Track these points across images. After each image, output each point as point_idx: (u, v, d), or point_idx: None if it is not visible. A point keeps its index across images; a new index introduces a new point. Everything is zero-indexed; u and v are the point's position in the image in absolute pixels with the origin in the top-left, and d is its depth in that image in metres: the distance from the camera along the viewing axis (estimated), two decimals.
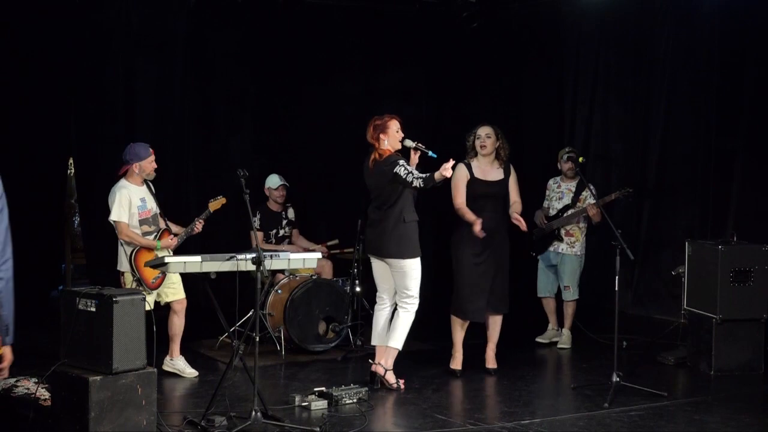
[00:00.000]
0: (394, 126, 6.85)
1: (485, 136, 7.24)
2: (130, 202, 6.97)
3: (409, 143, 6.84)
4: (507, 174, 7.30)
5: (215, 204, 7.40)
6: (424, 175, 6.57)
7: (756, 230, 7.92)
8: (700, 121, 9.25)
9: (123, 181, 7.06)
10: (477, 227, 7.00)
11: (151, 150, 7.13)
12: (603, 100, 10.25)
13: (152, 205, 7.12)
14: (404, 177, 6.61)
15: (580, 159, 8.07)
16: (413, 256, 6.78)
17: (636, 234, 9.67)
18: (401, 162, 6.68)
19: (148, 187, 7.18)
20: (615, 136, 10.15)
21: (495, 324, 7.37)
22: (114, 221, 6.95)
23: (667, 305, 9.35)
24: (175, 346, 7.24)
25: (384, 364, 6.90)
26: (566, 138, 10.45)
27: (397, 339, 6.88)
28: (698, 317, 7.59)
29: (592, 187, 8.21)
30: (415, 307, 6.87)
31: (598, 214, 7.97)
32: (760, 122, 8.61)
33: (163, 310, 7.20)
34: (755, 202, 8.64)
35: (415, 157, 6.85)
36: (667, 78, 9.52)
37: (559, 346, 8.38)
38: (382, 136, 6.83)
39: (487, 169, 7.27)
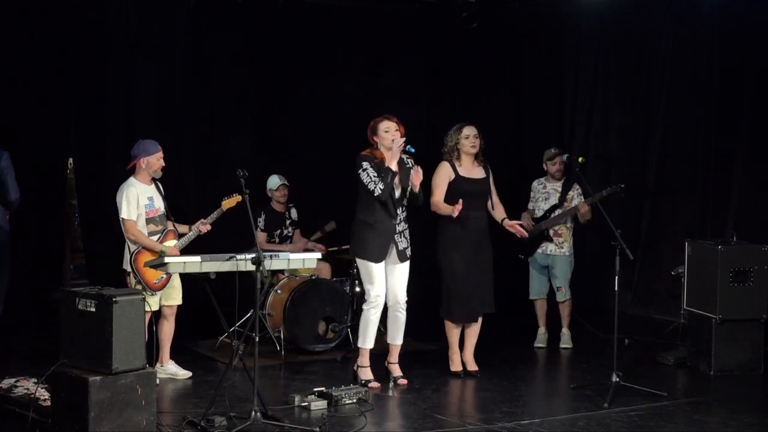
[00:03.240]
0: (383, 126, 6.90)
1: (474, 136, 7.26)
2: (138, 200, 6.93)
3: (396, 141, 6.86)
4: (488, 173, 7.34)
5: (229, 202, 7.25)
6: (380, 178, 6.76)
7: (756, 230, 7.91)
8: (700, 121, 9.25)
9: (131, 179, 7.03)
10: (455, 211, 6.99)
11: (159, 147, 7.08)
12: (603, 100, 10.24)
13: (160, 205, 7.07)
14: (366, 184, 6.81)
15: (580, 159, 8.06)
16: (354, 254, 7.04)
17: (636, 234, 9.66)
18: (364, 165, 6.82)
19: (157, 186, 7.12)
20: (615, 136, 10.14)
21: (474, 327, 7.35)
22: (123, 219, 6.90)
23: (667, 305, 9.35)
24: (165, 352, 7.16)
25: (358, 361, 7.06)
26: (566, 138, 10.45)
27: (359, 338, 7.04)
28: (698, 317, 7.59)
29: (578, 188, 8.21)
30: (370, 307, 6.94)
31: (589, 213, 7.96)
32: (760, 122, 8.61)
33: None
34: (755, 202, 8.63)
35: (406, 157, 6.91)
36: (667, 78, 9.52)
37: (561, 346, 8.35)
38: (374, 138, 6.95)
39: (470, 168, 7.29)
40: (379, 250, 6.90)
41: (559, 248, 8.31)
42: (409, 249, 7.03)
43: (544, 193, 8.40)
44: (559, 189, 8.35)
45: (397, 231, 6.93)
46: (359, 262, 7.01)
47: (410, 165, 6.96)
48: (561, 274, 8.33)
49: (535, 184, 8.52)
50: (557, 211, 8.26)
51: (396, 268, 6.99)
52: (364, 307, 6.99)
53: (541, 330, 8.46)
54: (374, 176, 6.78)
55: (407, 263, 7.04)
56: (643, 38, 9.75)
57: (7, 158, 8.20)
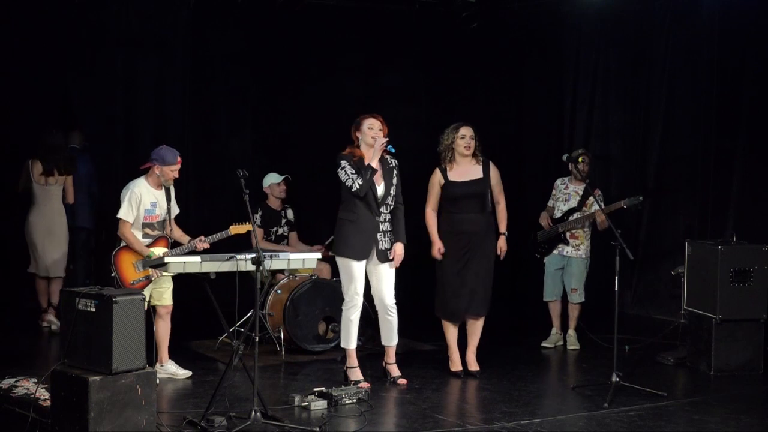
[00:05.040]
0: (367, 123, 6.87)
1: (470, 137, 7.20)
2: (140, 202, 6.90)
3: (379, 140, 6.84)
4: (486, 172, 7.24)
5: (238, 228, 7.14)
6: (360, 172, 6.72)
7: (756, 230, 7.92)
8: (700, 121, 9.25)
9: (140, 180, 6.99)
10: (434, 250, 7.13)
11: (179, 159, 6.96)
12: (603, 100, 10.25)
13: (162, 211, 7.02)
14: (344, 182, 6.79)
15: (580, 159, 8.03)
16: (335, 253, 6.97)
17: (636, 234, 9.67)
18: (343, 164, 6.80)
19: (167, 191, 7.07)
20: (615, 136, 10.15)
21: (475, 327, 7.33)
22: (118, 218, 6.89)
23: (667, 305, 9.36)
24: (164, 352, 7.14)
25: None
26: (566, 138, 10.45)
27: (342, 339, 7.07)
28: (698, 317, 7.59)
29: (600, 194, 8.15)
30: (348, 308, 6.92)
31: (605, 222, 7.88)
32: (760, 122, 8.62)
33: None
34: (755, 202, 8.64)
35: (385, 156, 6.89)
36: (666, 78, 9.53)
37: (570, 347, 8.31)
38: (357, 134, 6.91)
39: (466, 170, 7.22)
40: (361, 247, 6.84)
41: (576, 250, 8.26)
42: (391, 252, 6.94)
43: (566, 194, 8.32)
44: (580, 192, 8.28)
45: (381, 230, 6.89)
46: (339, 261, 6.93)
47: (393, 164, 6.93)
48: (576, 276, 8.28)
49: (558, 182, 8.41)
50: (575, 215, 8.21)
51: (378, 269, 6.92)
52: (343, 308, 6.96)
53: (554, 330, 8.42)
54: (352, 173, 6.75)
55: (389, 264, 6.96)
56: (643, 38, 9.76)
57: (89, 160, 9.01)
